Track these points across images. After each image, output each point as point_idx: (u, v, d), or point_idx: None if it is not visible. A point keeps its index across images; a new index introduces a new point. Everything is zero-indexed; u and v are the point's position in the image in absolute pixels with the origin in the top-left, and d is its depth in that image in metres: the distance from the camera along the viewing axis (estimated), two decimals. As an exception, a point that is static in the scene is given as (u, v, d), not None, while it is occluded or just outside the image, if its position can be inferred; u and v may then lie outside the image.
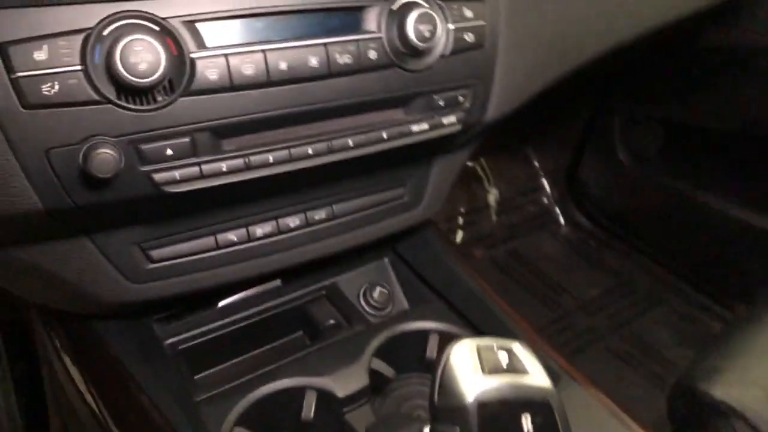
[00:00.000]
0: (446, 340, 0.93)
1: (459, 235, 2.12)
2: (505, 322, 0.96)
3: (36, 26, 0.57)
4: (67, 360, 0.94)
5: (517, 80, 0.91)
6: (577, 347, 1.80)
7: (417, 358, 0.97)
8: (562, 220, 2.27)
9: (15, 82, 0.57)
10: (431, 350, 0.97)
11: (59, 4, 0.57)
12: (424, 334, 0.98)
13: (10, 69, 0.56)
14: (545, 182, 2.29)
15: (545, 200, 2.29)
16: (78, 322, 0.92)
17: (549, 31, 0.92)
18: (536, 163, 2.30)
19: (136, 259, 0.80)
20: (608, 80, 1.95)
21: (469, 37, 0.81)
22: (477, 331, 0.98)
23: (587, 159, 2.19)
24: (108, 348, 0.89)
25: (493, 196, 2.21)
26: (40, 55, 0.57)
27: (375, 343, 0.94)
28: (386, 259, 1.13)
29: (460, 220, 2.14)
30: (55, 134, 0.60)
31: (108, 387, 0.88)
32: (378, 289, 1.08)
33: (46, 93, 0.58)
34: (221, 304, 1.00)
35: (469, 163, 2.19)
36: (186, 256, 0.83)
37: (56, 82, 0.58)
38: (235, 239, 0.85)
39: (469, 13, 0.80)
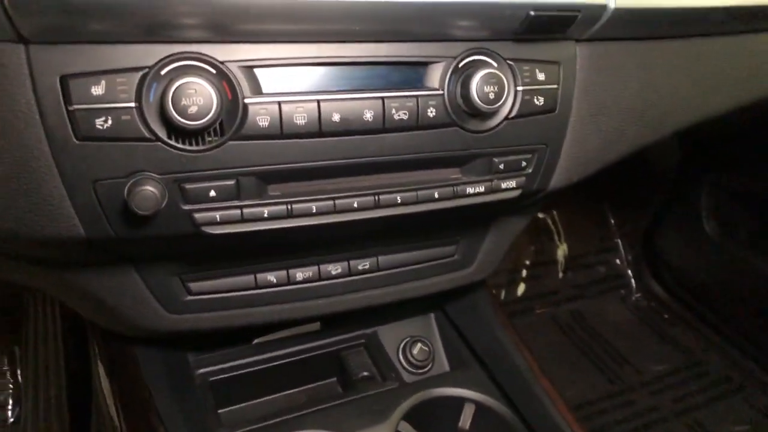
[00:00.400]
0: (482, 411, 0.87)
1: (521, 288, 2.03)
2: (544, 403, 0.89)
3: (96, 61, 0.58)
4: (101, 371, 0.96)
5: (590, 149, 0.85)
6: (634, 428, 1.66)
7: (449, 427, 0.92)
8: (634, 286, 2.12)
9: (71, 114, 0.58)
10: (464, 420, 0.92)
11: (120, 43, 0.58)
12: (458, 402, 0.92)
13: (68, 101, 0.57)
14: (620, 243, 2.16)
15: (618, 262, 2.16)
16: (118, 339, 0.93)
17: (631, 100, 0.85)
18: (612, 222, 2.18)
19: (175, 290, 0.80)
20: (696, 147, 1.82)
21: (538, 101, 0.76)
22: (513, 407, 0.91)
23: (669, 225, 2.04)
24: (138, 368, 0.90)
25: (561, 251, 2.11)
26: (98, 90, 0.58)
27: (406, 405, 0.90)
28: (432, 315, 1.09)
29: (524, 273, 2.04)
30: (104, 167, 0.61)
31: (131, 406, 0.89)
32: (419, 345, 1.03)
33: (99, 127, 0.59)
34: (257, 340, 0.99)
35: (540, 215, 2.10)
36: (224, 291, 0.82)
37: (110, 117, 0.59)
38: (275, 281, 0.83)
39: (541, 76, 0.76)
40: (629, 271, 2.14)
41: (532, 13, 0.68)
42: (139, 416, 0.87)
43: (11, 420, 1.60)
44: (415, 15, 0.65)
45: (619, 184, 2.06)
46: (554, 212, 2.10)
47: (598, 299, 2.06)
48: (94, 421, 1.11)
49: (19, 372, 1.66)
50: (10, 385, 1.65)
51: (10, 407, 1.62)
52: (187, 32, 0.59)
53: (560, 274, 2.09)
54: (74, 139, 0.59)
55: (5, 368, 1.68)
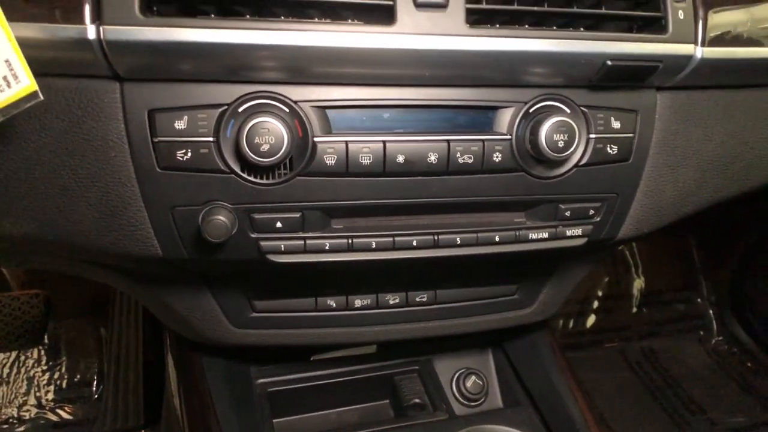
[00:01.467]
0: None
1: (590, 320, 1.96)
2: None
3: (180, 98, 0.62)
4: (171, 369, 1.03)
5: (664, 200, 0.81)
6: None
7: (495, 466, 0.91)
8: (715, 329, 1.99)
9: (156, 145, 0.63)
10: (512, 461, 0.91)
11: (203, 81, 0.62)
12: None
13: (154, 133, 0.62)
14: (703, 282, 2.03)
15: (699, 301, 2.03)
16: (188, 344, 0.99)
17: (713, 151, 0.81)
18: (696, 257, 2.05)
19: (241, 306, 0.84)
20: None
21: (612, 150, 0.74)
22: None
23: (760, 265, 1.90)
24: (203, 373, 0.95)
25: (638, 284, 2.01)
26: (180, 124, 0.62)
27: None
28: (489, 350, 1.08)
29: (595, 304, 1.97)
30: (181, 195, 0.65)
31: (194, 406, 0.94)
32: (473, 378, 1.03)
33: (179, 158, 0.63)
34: (314, 357, 1.02)
35: (618, 244, 2.01)
36: (286, 311, 0.86)
37: (190, 150, 0.63)
38: (334, 305, 0.86)
39: (616, 124, 0.74)
40: (711, 312, 2.01)
41: (609, 62, 0.66)
42: (200, 416, 0.92)
43: (95, 396, 1.74)
44: (489, 63, 0.65)
45: (708, 217, 1.93)
46: (633, 243, 2.01)
47: (674, 339, 1.95)
48: (164, 410, 1.19)
49: (103, 353, 1.80)
50: (96, 364, 1.79)
51: (94, 385, 1.76)
52: (265, 74, 0.63)
53: (634, 309, 1.99)
54: (157, 168, 0.64)
55: (92, 348, 1.82)
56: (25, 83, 0.53)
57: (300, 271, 0.79)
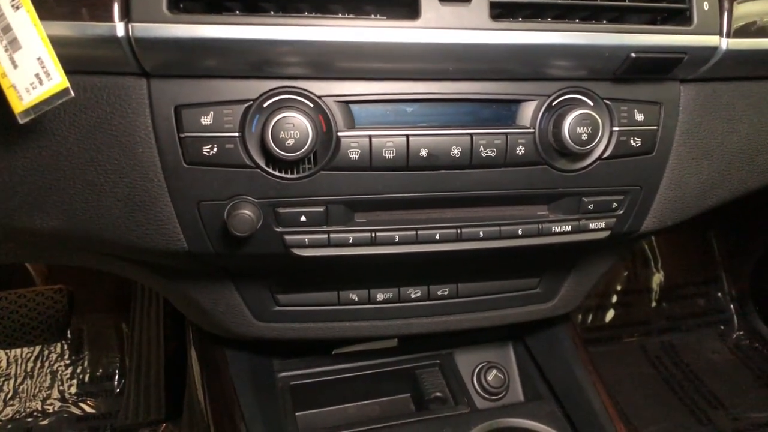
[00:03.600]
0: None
1: (609, 314, 1.95)
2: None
3: (206, 94, 0.63)
4: (195, 362, 1.04)
5: (688, 193, 0.81)
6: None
7: (517, 459, 0.91)
8: (736, 323, 1.97)
9: (183, 141, 0.63)
10: (534, 454, 0.91)
11: (228, 77, 0.63)
12: None
13: (180, 129, 0.63)
14: (724, 275, 2.00)
15: (720, 295, 2.01)
16: (211, 338, 1.01)
17: (739, 143, 0.80)
18: (717, 251, 2.03)
19: (264, 300, 0.85)
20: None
21: (635, 142, 0.74)
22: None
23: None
24: (227, 366, 0.97)
25: (657, 279, 1.99)
26: (206, 119, 0.63)
27: (477, 431, 0.90)
28: (510, 343, 1.08)
29: (614, 298, 1.96)
30: (208, 189, 0.66)
31: (217, 398, 0.95)
32: (494, 372, 1.03)
33: (205, 153, 0.64)
34: (335, 351, 1.03)
35: (637, 238, 1.99)
36: (308, 305, 0.86)
37: (215, 145, 0.64)
38: (356, 299, 0.86)
39: (640, 117, 0.73)
40: (732, 306, 1.99)
41: (633, 55, 0.66)
42: (224, 409, 0.93)
43: (117, 390, 1.77)
44: (513, 56, 0.65)
45: (728, 210, 1.91)
46: (652, 237, 1.99)
47: (694, 333, 1.94)
48: (187, 403, 1.21)
49: (125, 348, 1.82)
50: (118, 359, 1.82)
51: (116, 379, 1.79)
52: (290, 69, 0.63)
53: (653, 303, 1.98)
54: (183, 164, 0.64)
55: (114, 343, 1.85)
56: (57, 80, 0.54)
57: (323, 265, 0.79)
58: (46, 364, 1.80)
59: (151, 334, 1.79)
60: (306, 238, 0.71)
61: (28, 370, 1.78)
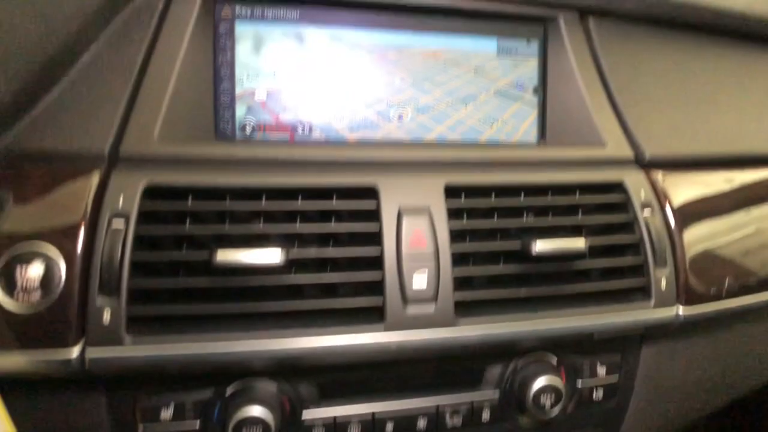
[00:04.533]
0: None
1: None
2: None
3: (165, 394, 0.62)
4: None
5: (651, 426, 0.82)
6: None
7: None
8: None
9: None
10: None
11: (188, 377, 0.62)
12: None
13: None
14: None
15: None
16: None
17: (696, 376, 0.82)
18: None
19: None
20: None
21: (596, 395, 0.75)
22: None
23: None
24: None
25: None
26: (166, 413, 0.62)
27: None
28: None
29: None
30: None
31: None
32: None
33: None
34: None
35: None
36: None
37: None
38: None
39: (602, 371, 0.75)
40: None
41: (594, 335, 0.68)
42: None
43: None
44: (480, 348, 0.66)
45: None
46: None
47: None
48: None
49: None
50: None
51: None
52: (252, 369, 0.63)
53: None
54: None
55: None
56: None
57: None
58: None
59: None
60: None
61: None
